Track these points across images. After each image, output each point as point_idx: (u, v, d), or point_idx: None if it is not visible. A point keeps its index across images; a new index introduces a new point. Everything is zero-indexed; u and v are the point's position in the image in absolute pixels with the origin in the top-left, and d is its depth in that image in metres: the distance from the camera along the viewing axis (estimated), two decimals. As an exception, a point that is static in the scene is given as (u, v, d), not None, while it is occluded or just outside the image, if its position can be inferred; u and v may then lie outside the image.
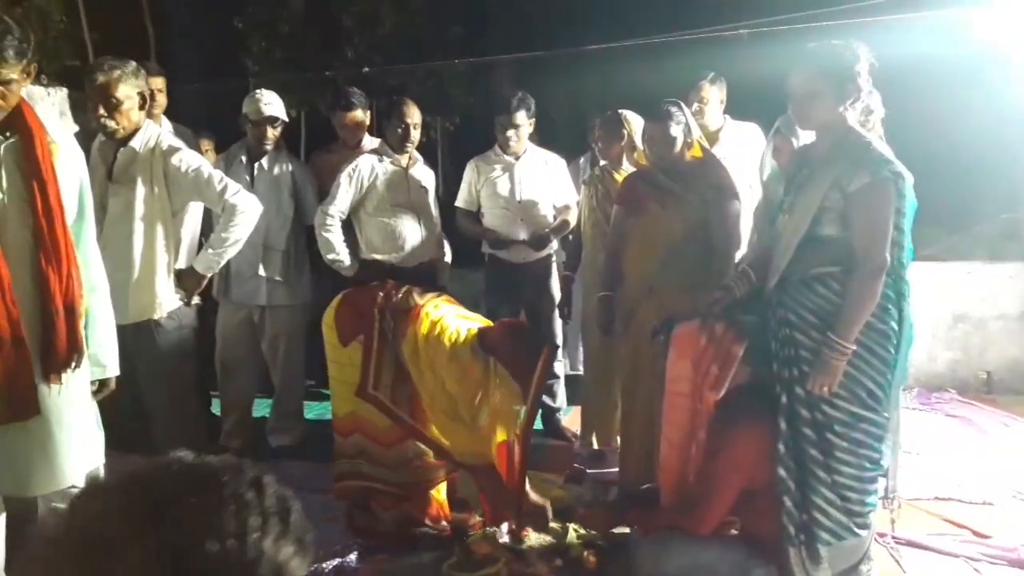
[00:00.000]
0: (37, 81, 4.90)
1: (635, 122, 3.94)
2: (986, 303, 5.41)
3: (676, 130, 3.38)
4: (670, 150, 3.40)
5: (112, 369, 2.55)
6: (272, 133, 4.16)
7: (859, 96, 2.56)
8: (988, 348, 5.41)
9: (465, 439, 3.08)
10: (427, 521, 3.24)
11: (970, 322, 5.43)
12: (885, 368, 2.52)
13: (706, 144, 3.64)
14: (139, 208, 3.11)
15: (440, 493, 3.29)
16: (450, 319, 3.10)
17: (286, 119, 4.27)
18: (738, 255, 3.55)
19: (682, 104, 3.46)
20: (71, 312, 2.27)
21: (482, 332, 3.06)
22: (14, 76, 2.15)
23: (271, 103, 4.15)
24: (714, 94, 4.42)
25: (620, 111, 4.04)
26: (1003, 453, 4.19)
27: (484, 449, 3.04)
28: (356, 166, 4.03)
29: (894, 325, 2.52)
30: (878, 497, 2.81)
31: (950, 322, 5.43)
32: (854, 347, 2.46)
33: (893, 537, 3.15)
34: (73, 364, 2.31)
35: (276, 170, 4.19)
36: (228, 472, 0.88)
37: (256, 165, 4.18)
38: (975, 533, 3.26)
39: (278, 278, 4.16)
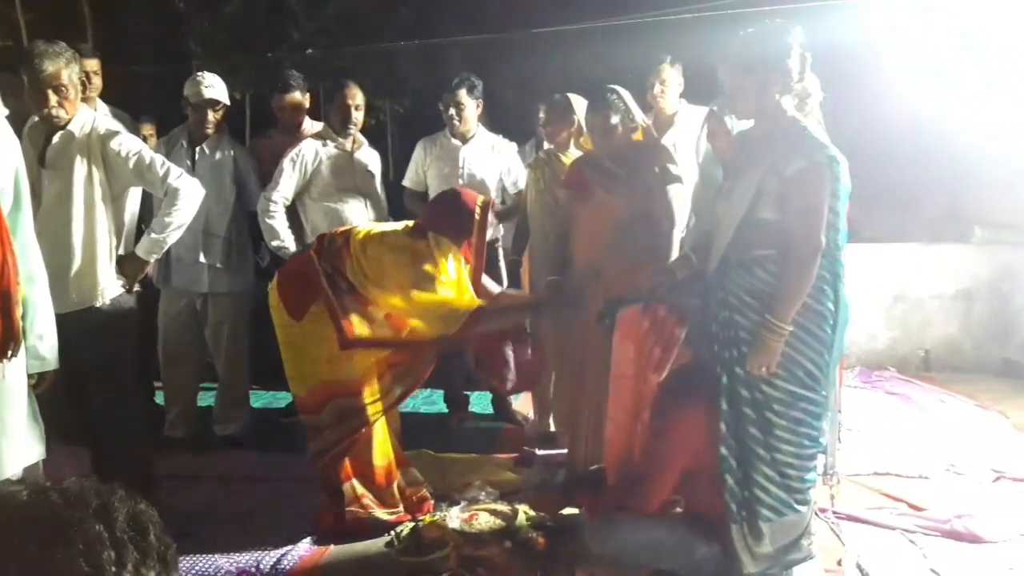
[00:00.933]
0: (-36, 62, 4.75)
1: (582, 106, 3.95)
2: (924, 283, 5.57)
3: (615, 119, 3.39)
4: (610, 138, 3.42)
5: (51, 362, 2.50)
6: (213, 117, 4.09)
7: (789, 82, 2.58)
8: (926, 327, 5.57)
9: (440, 313, 3.09)
10: (376, 487, 3.22)
11: (909, 302, 5.58)
12: (822, 348, 2.57)
13: (652, 129, 3.66)
14: (77, 193, 3.03)
15: (379, 455, 3.26)
16: (379, 226, 3.25)
17: (228, 102, 4.19)
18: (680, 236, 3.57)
19: (620, 91, 3.45)
20: (7, 299, 2.21)
21: (415, 222, 3.21)
22: None
23: (212, 86, 4.07)
24: (673, 77, 4.45)
25: (567, 95, 4.05)
26: (939, 429, 4.32)
27: (458, 315, 3.08)
28: (300, 150, 3.98)
29: (830, 306, 2.57)
30: (818, 474, 2.89)
31: (890, 302, 5.58)
32: (791, 328, 2.50)
33: (833, 512, 3.24)
34: (9, 352, 2.25)
35: (218, 155, 4.12)
36: (70, 506, 0.82)
37: (197, 149, 4.10)
38: (911, 506, 3.36)
39: (219, 265, 4.10)
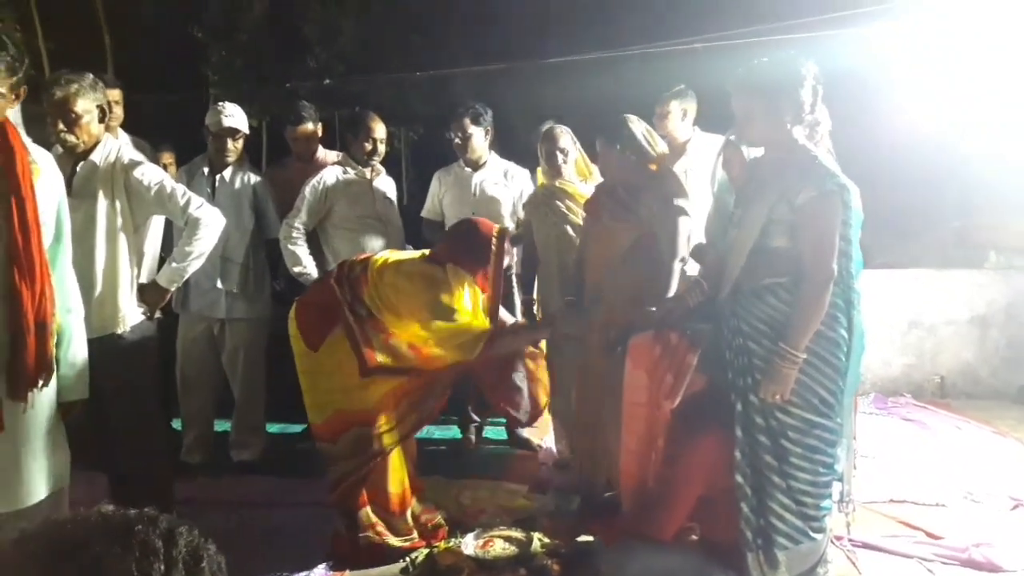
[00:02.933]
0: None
1: (569, 135, 4.00)
2: (939, 309, 5.55)
3: (623, 146, 3.41)
4: (618, 167, 3.45)
5: (81, 391, 2.54)
6: (233, 146, 4.15)
7: (800, 112, 2.60)
8: (941, 353, 5.54)
9: (459, 341, 3.10)
10: (390, 515, 3.23)
11: (924, 328, 5.56)
12: (836, 375, 2.57)
13: (665, 159, 3.66)
14: (101, 222, 3.07)
15: (394, 482, 3.28)
16: (397, 254, 3.27)
17: (247, 131, 4.26)
18: (689, 267, 3.57)
19: (632, 123, 3.47)
20: (42, 330, 2.27)
21: (432, 250, 3.21)
22: (2, 90, 2.17)
23: (232, 115, 4.14)
24: (675, 107, 4.49)
25: (554, 125, 4.07)
26: (956, 456, 4.29)
27: (476, 342, 3.08)
28: (321, 178, 4.04)
29: (844, 333, 2.58)
30: (834, 501, 2.88)
31: (905, 328, 5.56)
32: (804, 355, 2.51)
33: (849, 540, 3.22)
34: (41, 382, 2.30)
35: (238, 183, 4.18)
36: (142, 523, 0.92)
37: (218, 177, 4.16)
38: (928, 534, 3.34)
39: (236, 291, 4.14)
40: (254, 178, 4.25)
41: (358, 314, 3.11)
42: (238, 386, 4.32)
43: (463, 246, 3.17)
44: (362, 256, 3.32)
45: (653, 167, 3.51)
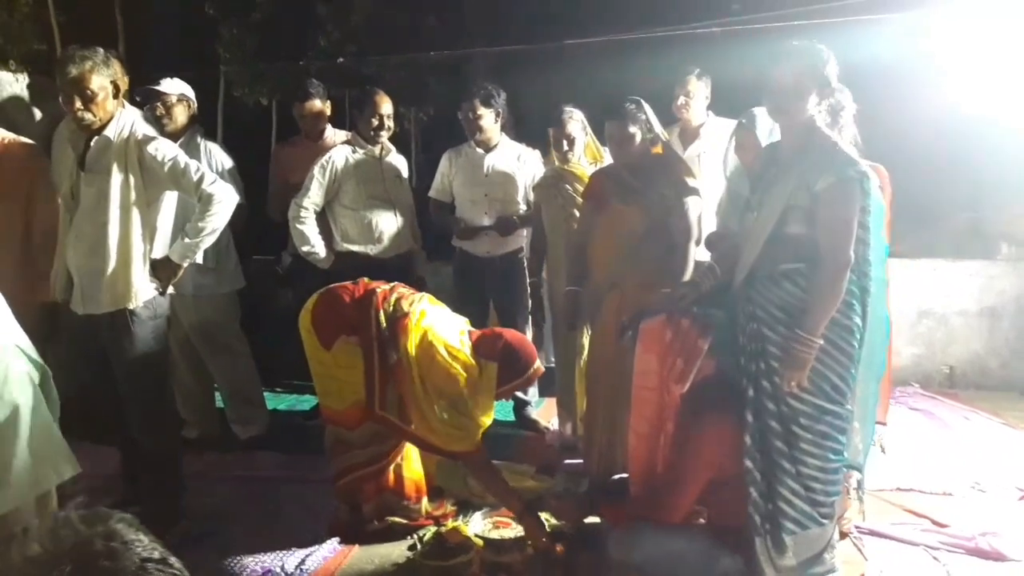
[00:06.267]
0: (5, 67, 4.82)
1: (579, 120, 3.99)
2: (949, 299, 5.53)
3: (633, 128, 3.41)
4: (627, 147, 3.44)
5: None
6: (164, 111, 4.06)
7: (832, 97, 2.62)
8: (951, 343, 5.53)
9: (456, 434, 3.07)
10: (405, 501, 3.25)
11: (934, 318, 5.55)
12: (849, 362, 2.57)
13: (670, 142, 3.66)
14: (114, 197, 3.07)
15: (412, 468, 3.30)
16: (439, 328, 3.05)
17: (172, 95, 4.12)
18: (699, 251, 3.56)
19: (642, 102, 3.47)
20: None
21: (476, 342, 3.08)
22: None
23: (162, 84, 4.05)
24: (700, 89, 4.47)
25: (564, 109, 4.06)
26: (963, 445, 4.29)
27: (473, 438, 3.09)
28: (330, 157, 4.03)
29: (858, 320, 2.57)
30: (853, 488, 2.88)
31: (914, 318, 5.55)
32: (821, 341, 2.51)
33: (856, 526, 3.23)
34: None
35: (188, 150, 4.09)
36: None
37: None
38: (934, 522, 3.35)
39: (201, 263, 3.98)
40: (207, 144, 4.17)
41: (387, 357, 3.01)
42: (218, 364, 4.28)
43: (511, 363, 3.04)
44: (405, 294, 3.14)
45: (658, 150, 3.51)
